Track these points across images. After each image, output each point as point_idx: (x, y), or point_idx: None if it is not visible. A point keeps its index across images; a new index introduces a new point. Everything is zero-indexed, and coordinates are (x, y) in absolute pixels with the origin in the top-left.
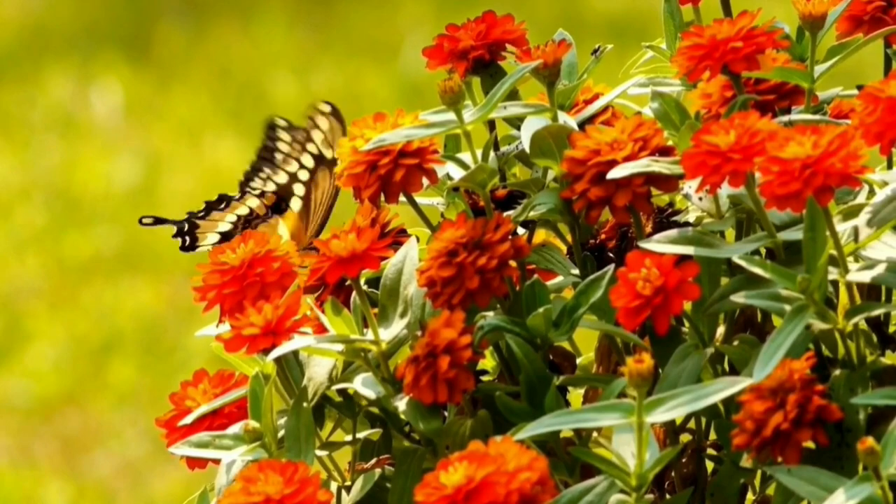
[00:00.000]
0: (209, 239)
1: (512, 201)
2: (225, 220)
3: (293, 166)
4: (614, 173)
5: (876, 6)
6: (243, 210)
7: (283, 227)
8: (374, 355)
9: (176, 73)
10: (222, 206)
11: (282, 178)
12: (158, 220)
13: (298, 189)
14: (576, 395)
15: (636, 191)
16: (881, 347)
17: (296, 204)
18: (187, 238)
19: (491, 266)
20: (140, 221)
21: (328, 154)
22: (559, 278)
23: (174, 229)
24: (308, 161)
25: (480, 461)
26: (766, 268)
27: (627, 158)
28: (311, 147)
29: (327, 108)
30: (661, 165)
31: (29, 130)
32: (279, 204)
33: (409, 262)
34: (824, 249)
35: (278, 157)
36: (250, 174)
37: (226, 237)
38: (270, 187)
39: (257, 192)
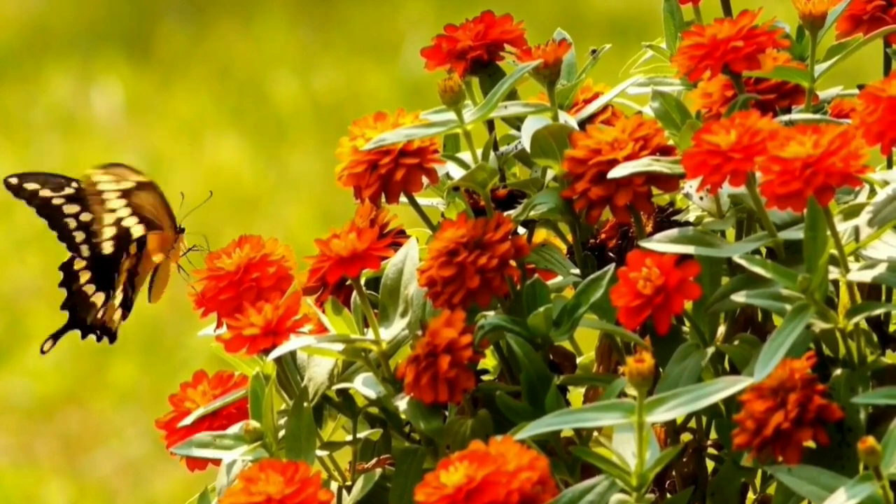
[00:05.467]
0: (116, 317)
1: (512, 201)
2: (117, 297)
3: (109, 218)
4: (615, 173)
5: (876, 5)
6: (124, 277)
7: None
8: (374, 355)
9: (177, 72)
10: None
11: (110, 231)
12: (56, 337)
13: (130, 221)
14: (576, 394)
15: (637, 190)
16: (882, 347)
17: (137, 230)
18: (106, 337)
19: (491, 265)
20: (42, 351)
21: (129, 185)
22: (559, 278)
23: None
24: (117, 203)
25: (481, 461)
26: (767, 267)
27: (628, 158)
28: (108, 196)
29: (92, 171)
30: (661, 165)
31: (30, 130)
32: (140, 240)
33: (410, 261)
34: (825, 249)
35: (80, 233)
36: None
37: (125, 304)
38: (108, 246)
39: (123, 257)
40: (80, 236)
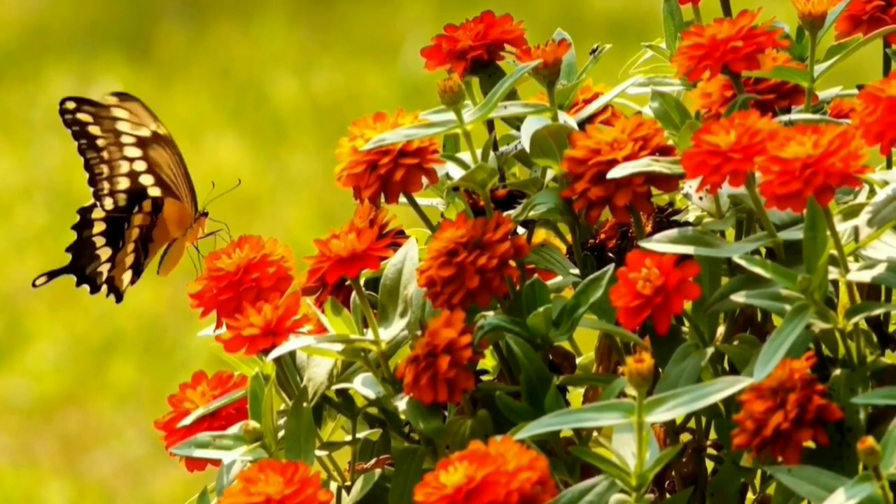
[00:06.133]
0: (126, 278)
1: (512, 201)
2: (128, 253)
3: (125, 166)
4: (614, 173)
5: (875, 6)
6: (135, 233)
7: (170, 220)
8: (374, 355)
9: (176, 72)
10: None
11: (124, 183)
12: (51, 275)
13: (147, 179)
14: (576, 394)
15: (636, 190)
16: (881, 347)
17: (155, 192)
18: (113, 295)
19: (491, 266)
20: (33, 284)
21: (146, 133)
22: (559, 278)
23: (91, 286)
24: (133, 152)
25: (480, 461)
26: (767, 267)
27: (628, 158)
28: (125, 139)
29: (113, 99)
30: (661, 165)
31: (29, 130)
32: (156, 202)
33: (409, 261)
34: (825, 249)
35: (103, 168)
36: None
37: (135, 267)
38: (120, 197)
39: (136, 210)
40: (105, 174)
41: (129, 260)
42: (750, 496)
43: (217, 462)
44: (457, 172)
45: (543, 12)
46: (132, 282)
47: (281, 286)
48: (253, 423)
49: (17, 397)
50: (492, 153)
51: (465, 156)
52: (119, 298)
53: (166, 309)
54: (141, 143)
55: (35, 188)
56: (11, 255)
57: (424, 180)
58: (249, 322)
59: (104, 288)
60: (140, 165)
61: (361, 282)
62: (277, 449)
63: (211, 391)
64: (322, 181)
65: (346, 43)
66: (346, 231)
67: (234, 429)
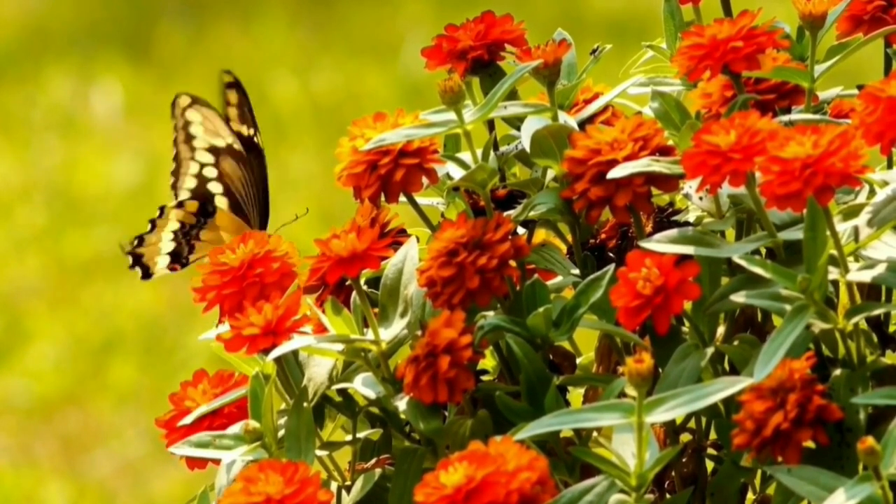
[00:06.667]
0: (160, 263)
1: (512, 201)
2: (163, 240)
3: (194, 167)
4: (614, 173)
5: (876, 6)
6: (174, 225)
7: (224, 227)
8: (374, 355)
9: (176, 72)
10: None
11: (190, 182)
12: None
13: (216, 187)
14: (576, 394)
15: (636, 190)
16: (881, 347)
17: (221, 202)
18: (139, 269)
19: (491, 266)
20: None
21: (219, 143)
22: (559, 278)
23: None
24: (205, 157)
25: (480, 461)
26: (767, 267)
27: (628, 158)
28: (197, 143)
29: (187, 101)
30: (661, 165)
31: (29, 130)
32: (205, 207)
33: (410, 261)
34: (824, 249)
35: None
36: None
37: (175, 256)
38: (184, 195)
39: (174, 203)
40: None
41: (168, 246)
42: (750, 496)
43: (218, 461)
44: (457, 172)
45: (543, 12)
46: (171, 268)
47: (284, 282)
48: (253, 423)
49: (16, 397)
50: (492, 153)
51: (465, 156)
52: (146, 276)
53: (166, 309)
54: (213, 151)
55: (35, 188)
56: (11, 255)
57: (425, 180)
58: (250, 322)
59: (131, 259)
60: (210, 172)
61: (362, 281)
62: (277, 448)
63: (212, 389)
64: (322, 181)
65: (346, 43)
66: (347, 230)
67: (234, 428)
